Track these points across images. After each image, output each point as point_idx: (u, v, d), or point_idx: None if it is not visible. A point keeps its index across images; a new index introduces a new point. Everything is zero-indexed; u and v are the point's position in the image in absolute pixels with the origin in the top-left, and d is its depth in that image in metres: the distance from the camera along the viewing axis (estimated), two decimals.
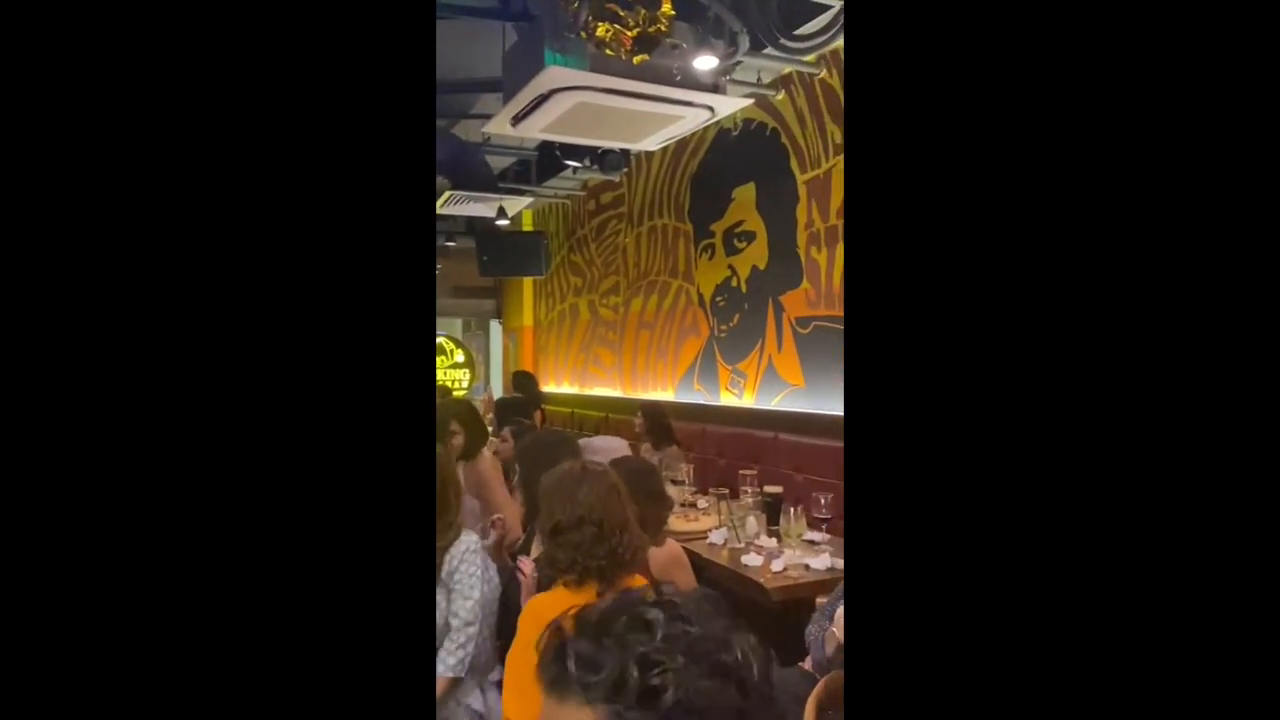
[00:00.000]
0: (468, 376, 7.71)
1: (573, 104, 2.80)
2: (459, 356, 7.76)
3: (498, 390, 7.26)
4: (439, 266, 7.17)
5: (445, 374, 7.55)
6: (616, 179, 5.50)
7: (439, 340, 7.72)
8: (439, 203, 4.82)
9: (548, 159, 5.02)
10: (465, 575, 1.77)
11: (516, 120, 3.01)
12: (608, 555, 1.46)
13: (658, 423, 4.13)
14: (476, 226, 6.61)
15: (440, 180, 4.74)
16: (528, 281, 7.62)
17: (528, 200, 5.23)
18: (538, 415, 5.41)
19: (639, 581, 1.52)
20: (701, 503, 3.43)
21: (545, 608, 1.45)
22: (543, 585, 1.52)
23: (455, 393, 6.85)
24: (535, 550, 1.87)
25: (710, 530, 2.91)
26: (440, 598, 1.75)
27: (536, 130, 3.13)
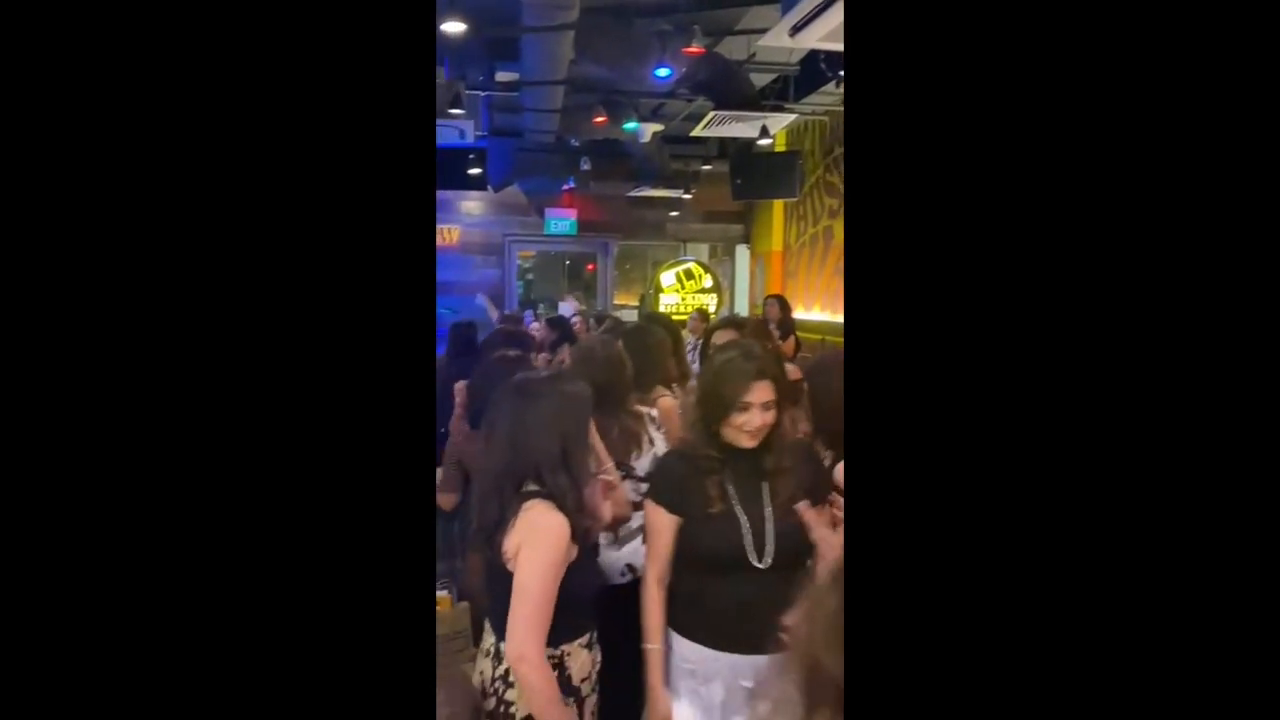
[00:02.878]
0: (715, 301, 7.80)
1: None
2: (707, 281, 7.85)
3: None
4: (691, 192, 7.24)
5: (695, 298, 7.69)
6: None
7: (689, 265, 7.85)
8: (700, 126, 4.81)
9: (811, 73, 4.78)
10: None
11: (795, 30, 2.88)
12: None
13: None
14: (729, 149, 6.55)
15: (702, 102, 4.71)
16: (778, 205, 7.45)
17: (790, 118, 5.05)
18: (791, 341, 5.33)
19: None
20: None
21: None
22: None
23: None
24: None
25: None
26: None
27: (815, 39, 2.97)
